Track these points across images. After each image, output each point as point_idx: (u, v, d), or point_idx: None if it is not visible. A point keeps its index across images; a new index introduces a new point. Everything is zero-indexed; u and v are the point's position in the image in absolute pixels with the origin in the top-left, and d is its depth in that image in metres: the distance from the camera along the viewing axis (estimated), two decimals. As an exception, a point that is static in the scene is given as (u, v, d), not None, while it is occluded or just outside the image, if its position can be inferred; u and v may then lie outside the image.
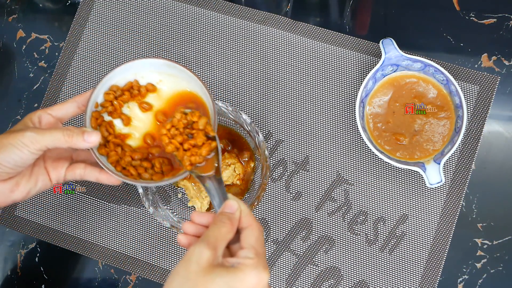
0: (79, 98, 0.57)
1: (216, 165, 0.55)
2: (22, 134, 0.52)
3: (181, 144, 0.56)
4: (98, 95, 0.58)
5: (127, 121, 0.58)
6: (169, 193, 0.72)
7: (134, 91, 0.59)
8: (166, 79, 0.59)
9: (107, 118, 0.58)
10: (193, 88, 0.58)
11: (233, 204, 0.50)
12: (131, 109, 0.59)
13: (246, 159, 0.71)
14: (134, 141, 0.58)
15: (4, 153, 0.52)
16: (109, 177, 0.57)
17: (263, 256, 0.47)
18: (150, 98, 0.59)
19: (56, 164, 0.58)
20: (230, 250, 0.50)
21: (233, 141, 0.71)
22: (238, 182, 0.70)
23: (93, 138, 0.54)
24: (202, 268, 0.45)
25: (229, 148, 0.71)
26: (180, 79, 0.58)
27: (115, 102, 0.58)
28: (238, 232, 0.49)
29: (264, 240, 0.49)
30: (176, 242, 0.72)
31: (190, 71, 0.57)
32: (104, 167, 0.55)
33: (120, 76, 0.58)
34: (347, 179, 0.71)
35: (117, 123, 0.58)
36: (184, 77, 0.58)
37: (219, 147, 0.55)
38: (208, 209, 0.70)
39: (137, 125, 0.58)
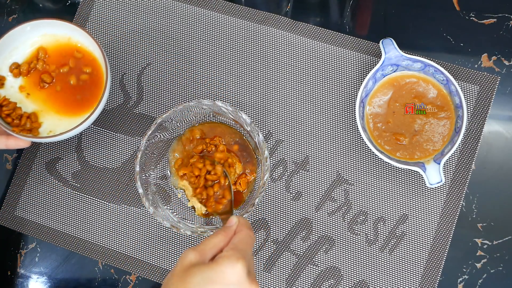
0: None
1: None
2: None
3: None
4: None
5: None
6: (169, 193, 0.72)
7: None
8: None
9: None
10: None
11: (233, 218, 0.57)
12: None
13: (249, 171, 0.71)
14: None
15: None
16: (17, 140, 0.64)
17: (243, 251, 0.52)
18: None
19: None
20: None
21: (244, 146, 0.72)
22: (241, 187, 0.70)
23: None
24: (184, 268, 0.51)
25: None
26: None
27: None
28: None
29: (251, 241, 0.55)
30: (176, 242, 0.72)
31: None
32: (11, 133, 0.64)
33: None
34: (347, 179, 0.71)
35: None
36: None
37: (232, 195, 0.67)
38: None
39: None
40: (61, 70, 0.70)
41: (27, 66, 0.70)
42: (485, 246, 0.69)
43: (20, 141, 0.65)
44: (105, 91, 0.66)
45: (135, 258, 0.72)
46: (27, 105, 0.69)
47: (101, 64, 0.69)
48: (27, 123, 0.68)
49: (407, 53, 0.68)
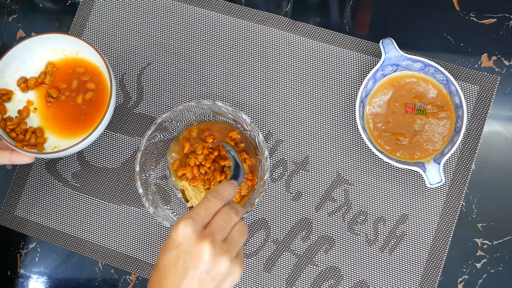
0: None
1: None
2: None
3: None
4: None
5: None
6: (169, 193, 0.72)
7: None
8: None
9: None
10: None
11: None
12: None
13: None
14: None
15: None
16: (20, 156, 0.64)
17: (192, 212, 0.52)
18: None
19: None
20: None
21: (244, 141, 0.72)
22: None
23: None
24: None
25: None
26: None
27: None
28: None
29: (206, 202, 0.53)
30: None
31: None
32: (15, 148, 0.64)
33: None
34: (347, 179, 0.71)
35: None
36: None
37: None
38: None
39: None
40: (68, 86, 0.69)
41: (34, 81, 0.69)
42: (485, 246, 0.69)
43: (24, 157, 0.65)
44: (109, 107, 0.66)
45: (135, 258, 0.72)
46: (34, 120, 0.69)
47: (107, 81, 0.68)
48: (31, 138, 0.67)
49: (407, 53, 0.68)
